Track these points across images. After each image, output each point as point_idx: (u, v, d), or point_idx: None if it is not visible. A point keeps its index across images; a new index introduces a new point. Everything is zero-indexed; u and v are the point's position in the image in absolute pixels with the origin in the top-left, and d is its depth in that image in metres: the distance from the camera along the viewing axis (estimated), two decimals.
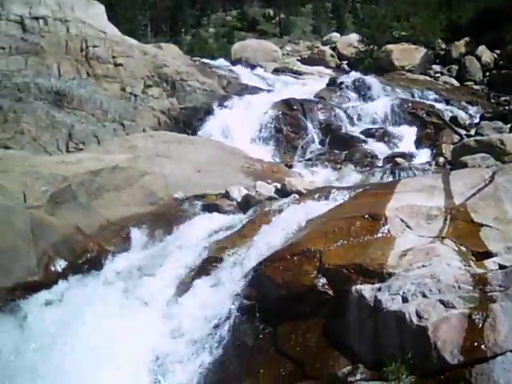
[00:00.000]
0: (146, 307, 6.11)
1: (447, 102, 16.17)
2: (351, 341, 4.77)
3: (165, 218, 8.37)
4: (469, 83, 19.28)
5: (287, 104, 14.94)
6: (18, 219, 6.97)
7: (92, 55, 15.96)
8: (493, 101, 17.13)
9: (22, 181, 8.07)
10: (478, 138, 11.35)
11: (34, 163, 8.95)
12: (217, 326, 5.54)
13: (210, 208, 8.65)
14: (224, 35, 51.03)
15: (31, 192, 7.89)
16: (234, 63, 23.77)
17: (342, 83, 17.60)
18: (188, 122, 14.92)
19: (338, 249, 5.57)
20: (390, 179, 9.98)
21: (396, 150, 13.18)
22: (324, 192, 7.66)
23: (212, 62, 22.11)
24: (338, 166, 11.86)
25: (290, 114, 14.61)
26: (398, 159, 11.86)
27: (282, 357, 5.08)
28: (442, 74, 20.29)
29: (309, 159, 13.14)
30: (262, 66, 24.06)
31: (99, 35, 16.54)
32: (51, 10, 16.33)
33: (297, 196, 8.52)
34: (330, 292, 5.18)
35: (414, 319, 4.25)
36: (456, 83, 19.37)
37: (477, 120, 14.71)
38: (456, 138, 13.08)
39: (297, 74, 23.11)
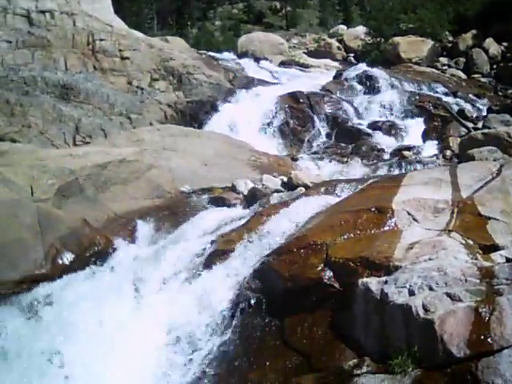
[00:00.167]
0: (151, 301, 6.12)
1: (454, 95, 16.11)
2: (357, 334, 4.78)
3: (171, 211, 8.39)
4: (476, 76, 19.20)
5: (294, 97, 14.93)
6: (25, 212, 6.99)
7: (98, 49, 15.98)
8: (500, 93, 17.07)
9: (29, 174, 8.10)
10: (486, 130, 11.31)
11: (41, 157, 8.97)
12: (223, 319, 5.55)
13: (216, 201, 8.66)
14: (230, 28, 50.87)
15: (38, 185, 7.92)
16: (240, 56, 23.75)
17: (348, 76, 17.55)
18: (194, 115, 14.94)
19: (344, 242, 5.57)
20: (397, 172, 9.96)
21: (403, 142, 13.15)
22: (330, 185, 7.65)
23: (218, 55, 22.09)
24: (345, 159, 11.85)
25: (297, 107, 14.60)
26: (405, 152, 11.83)
27: (288, 349, 5.09)
28: (449, 66, 20.20)
29: (315, 152, 13.13)
30: (268, 59, 24.02)
31: (106, 29, 16.54)
32: (58, 3, 16.34)
33: (303, 189, 8.53)
34: (337, 285, 5.18)
35: (421, 312, 4.24)
36: (463, 76, 19.28)
37: (484, 113, 14.66)
38: (463, 130, 13.04)
39: (303, 66, 23.10)
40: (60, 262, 6.68)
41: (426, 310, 4.25)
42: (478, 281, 4.43)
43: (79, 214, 7.57)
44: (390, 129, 13.76)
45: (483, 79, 18.82)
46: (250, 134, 13.68)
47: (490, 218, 5.51)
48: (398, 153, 12.00)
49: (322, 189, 7.56)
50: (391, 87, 16.40)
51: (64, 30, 15.93)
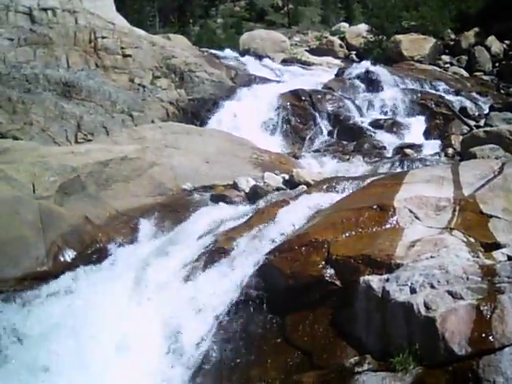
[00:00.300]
0: (152, 297, 6.13)
1: (456, 93, 16.10)
2: (359, 331, 4.78)
3: (173, 209, 8.39)
4: (478, 74, 19.19)
5: (295, 95, 14.93)
6: (26, 210, 7.00)
7: (100, 46, 15.97)
8: (502, 91, 17.06)
9: (31, 171, 8.11)
10: (488, 128, 11.31)
11: (42, 154, 8.98)
12: (225, 316, 5.56)
13: (218, 199, 8.66)
14: (232, 26, 50.81)
15: (40, 182, 7.93)
16: (242, 54, 23.71)
17: (350, 74, 17.53)
18: (196, 113, 14.96)
19: (346, 239, 5.57)
20: (399, 170, 9.95)
21: (405, 140, 13.14)
22: (332, 183, 7.64)
23: (220, 53, 22.06)
24: (347, 157, 11.85)
25: (299, 105, 14.60)
26: (407, 150, 11.83)
27: (289, 347, 5.09)
28: (451, 64, 20.18)
29: (317, 150, 13.13)
30: (270, 57, 24.02)
31: (108, 26, 16.54)
32: (60, 1, 16.35)
33: (305, 187, 8.53)
34: (338, 283, 5.18)
35: (422, 310, 4.25)
36: (465, 74, 19.26)
37: (486, 111, 14.65)
38: (465, 128, 13.03)
39: (305, 64, 23.07)
40: (62, 259, 6.69)
41: (427, 307, 4.25)
42: (479, 279, 4.43)
43: (81, 212, 7.59)
44: (392, 127, 13.76)
45: (485, 77, 18.81)
46: (252, 131, 13.68)
47: (491, 216, 5.51)
48: (399, 151, 12.00)
49: (324, 186, 7.55)
50: (393, 85, 16.38)
51: (66, 28, 15.93)
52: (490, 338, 3.94)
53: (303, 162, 11.54)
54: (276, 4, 60.47)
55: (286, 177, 9.41)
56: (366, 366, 4.42)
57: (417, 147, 12.25)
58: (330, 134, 14.03)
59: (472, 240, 5.18)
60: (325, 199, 6.94)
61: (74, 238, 6.92)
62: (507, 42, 20.00)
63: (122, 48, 16.23)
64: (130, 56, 16.19)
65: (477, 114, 14.38)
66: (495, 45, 19.91)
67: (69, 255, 6.74)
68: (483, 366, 3.84)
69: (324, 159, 11.85)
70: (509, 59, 19.24)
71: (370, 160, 11.41)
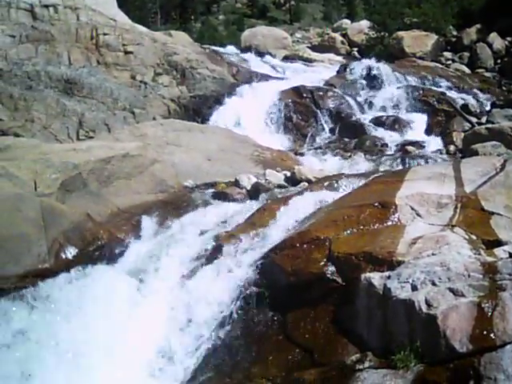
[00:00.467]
0: (154, 294, 6.14)
1: (458, 90, 16.08)
2: (360, 329, 4.78)
3: (175, 206, 8.39)
4: (480, 70, 19.16)
5: (297, 92, 14.92)
6: (28, 207, 6.99)
7: (102, 43, 15.97)
8: (504, 88, 17.03)
9: (33, 168, 8.10)
10: (489, 125, 11.31)
11: (44, 151, 8.97)
12: (226, 313, 5.56)
13: (219, 196, 8.67)
14: (234, 22, 50.79)
15: (42, 180, 7.92)
16: (243, 51, 23.73)
17: (352, 70, 17.51)
18: (198, 110, 14.95)
19: (347, 237, 5.57)
20: (400, 167, 9.95)
21: (406, 137, 13.13)
22: (334, 180, 7.64)
23: (222, 50, 22.07)
24: (348, 154, 11.85)
25: (300, 102, 14.60)
26: (409, 147, 11.83)
27: (290, 344, 5.09)
28: (453, 61, 20.15)
29: (318, 147, 13.13)
30: (271, 54, 24.01)
31: (109, 23, 16.53)
32: None
33: (306, 184, 8.53)
34: (339, 280, 5.18)
35: (424, 307, 4.24)
36: (467, 70, 19.23)
37: (488, 108, 14.63)
38: (467, 125, 13.02)
39: (307, 61, 23.05)
40: (63, 256, 6.68)
41: (428, 305, 4.25)
42: (481, 276, 4.43)
43: (82, 209, 7.57)
44: (394, 124, 13.75)
45: (487, 74, 18.77)
46: (254, 128, 13.68)
47: (493, 213, 5.50)
48: (401, 148, 12.00)
49: (325, 184, 7.55)
50: (395, 82, 16.36)
51: (68, 25, 15.92)
52: (492, 335, 3.94)
53: (305, 159, 11.54)
54: (278, 1, 60.45)
55: (288, 174, 9.41)
56: (367, 364, 4.42)
57: (418, 144, 12.25)
58: (331, 131, 14.03)
59: (473, 237, 5.17)
60: (326, 196, 6.94)
61: (75, 235, 6.91)
62: (509, 38, 19.97)
63: (124, 45, 16.23)
64: (131, 53, 16.20)
65: (478, 110, 14.37)
66: (497, 41, 19.88)
67: (70, 252, 6.73)
68: (484, 364, 3.84)
69: (325, 156, 11.86)
70: (511, 56, 19.22)
71: (371, 157, 11.41)
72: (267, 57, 22.68)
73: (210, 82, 16.24)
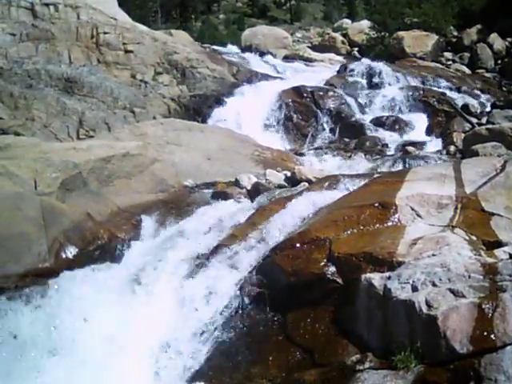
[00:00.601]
0: (155, 294, 6.13)
1: (458, 90, 16.08)
2: (360, 329, 4.78)
3: (175, 206, 8.39)
4: (480, 71, 19.18)
5: (297, 91, 14.92)
6: (28, 206, 6.99)
7: (102, 42, 15.96)
8: (504, 89, 17.05)
9: (33, 167, 8.09)
10: (490, 126, 11.30)
11: (44, 150, 8.97)
12: (226, 314, 5.56)
13: (219, 196, 8.66)
14: (234, 22, 50.80)
15: (42, 179, 7.91)
16: (244, 50, 23.72)
17: (352, 70, 17.52)
18: (198, 109, 14.95)
19: (347, 237, 5.57)
20: (401, 168, 9.95)
21: (407, 138, 13.14)
22: (334, 180, 7.64)
23: (222, 49, 22.07)
24: (348, 155, 11.84)
25: (300, 102, 14.59)
26: (409, 147, 11.83)
27: (291, 344, 5.10)
28: (453, 61, 20.18)
29: (319, 147, 13.12)
30: (272, 53, 24.00)
31: (110, 22, 16.52)
32: None
33: (306, 184, 8.52)
34: (340, 280, 5.19)
35: (424, 308, 4.25)
36: (467, 71, 19.25)
37: (488, 108, 14.64)
38: (467, 126, 13.02)
39: (307, 60, 23.04)
40: (63, 255, 6.68)
41: (429, 305, 4.25)
42: (481, 277, 4.43)
43: (83, 208, 7.57)
44: (394, 124, 13.76)
45: (487, 74, 18.79)
46: (254, 128, 13.67)
47: (493, 214, 5.50)
48: (401, 148, 12.00)
49: (326, 184, 7.55)
50: (395, 82, 16.38)
51: (68, 23, 15.91)
52: (492, 336, 3.94)
53: (305, 159, 11.54)
54: (278, 0, 60.40)
55: (288, 174, 9.41)
56: (367, 364, 4.43)
57: (419, 145, 12.25)
58: (331, 131, 14.03)
59: (474, 238, 5.18)
60: (326, 196, 6.93)
61: (75, 234, 6.91)
62: (509, 39, 20.02)
63: (124, 44, 16.22)
64: (131, 52, 16.19)
65: (479, 111, 14.38)
66: (497, 42, 19.90)
67: (71, 252, 6.73)
68: (485, 365, 3.85)
69: (326, 156, 11.85)
70: (511, 57, 19.22)
71: (371, 157, 11.41)
72: (267, 56, 22.66)
73: (211, 82, 16.24)
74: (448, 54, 20.69)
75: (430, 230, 5.37)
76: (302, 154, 12.21)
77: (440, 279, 4.46)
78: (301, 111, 14.39)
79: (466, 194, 5.89)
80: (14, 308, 5.87)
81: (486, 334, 3.96)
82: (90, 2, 16.72)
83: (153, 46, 16.77)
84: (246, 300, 5.58)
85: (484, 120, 13.31)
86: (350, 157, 11.59)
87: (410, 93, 15.14)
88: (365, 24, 26.52)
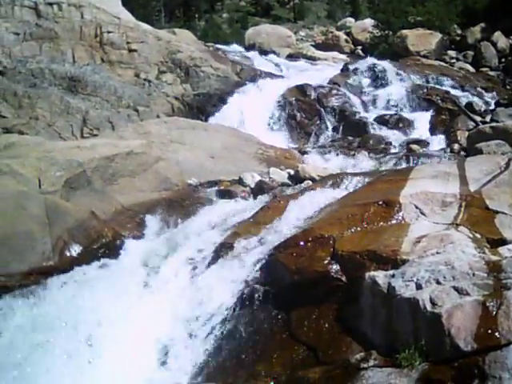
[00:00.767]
0: (159, 292, 6.14)
1: (462, 88, 16.04)
2: (364, 327, 4.78)
3: (179, 204, 8.40)
4: (484, 69, 19.11)
5: (301, 90, 14.91)
6: (32, 204, 7.01)
7: (106, 41, 15.96)
8: (508, 87, 16.99)
9: (37, 166, 8.12)
10: (494, 124, 11.28)
11: (48, 149, 8.99)
12: (230, 311, 5.56)
13: (223, 194, 8.67)
14: (238, 21, 50.68)
15: (46, 177, 7.94)
16: (247, 49, 23.69)
17: (356, 69, 17.48)
18: (201, 108, 14.95)
19: (351, 235, 5.57)
20: (404, 166, 9.94)
21: (410, 136, 13.11)
22: (338, 178, 7.64)
23: (226, 48, 22.02)
24: (352, 153, 11.82)
25: (304, 100, 14.59)
26: (413, 146, 11.81)
27: (295, 342, 5.10)
28: (457, 59, 20.11)
29: (322, 146, 13.11)
30: (275, 52, 23.97)
31: (113, 21, 16.52)
32: None
33: (310, 182, 8.52)
34: (344, 278, 5.19)
35: (428, 306, 4.24)
36: (471, 69, 19.18)
37: (492, 106, 14.61)
38: (471, 124, 12.99)
39: (311, 59, 23.00)
40: (68, 254, 6.70)
41: (433, 303, 4.24)
42: (485, 275, 4.43)
43: (87, 206, 7.59)
44: (398, 122, 13.73)
45: (491, 73, 18.72)
46: (257, 126, 13.67)
47: (497, 212, 5.50)
48: (405, 146, 11.98)
49: (329, 182, 7.54)
50: (399, 80, 16.34)
51: (72, 22, 15.92)
52: (496, 334, 3.94)
53: (308, 158, 11.53)
54: None
55: (292, 172, 9.41)
56: (371, 362, 4.42)
57: (422, 143, 12.23)
58: (335, 129, 14.02)
59: (478, 236, 5.18)
60: (330, 195, 6.93)
61: (80, 232, 6.93)
62: None
63: (128, 43, 16.22)
64: (135, 51, 16.18)
65: (483, 109, 14.34)
66: (501, 40, 19.83)
67: (75, 250, 6.75)
68: (489, 362, 3.84)
69: (329, 155, 11.83)
70: None
71: (375, 155, 11.39)
72: (271, 55, 22.64)
73: (214, 80, 16.23)
74: (452, 53, 20.63)
75: (434, 228, 5.36)
76: (305, 153, 12.19)
77: (444, 277, 4.46)
78: (304, 110, 14.39)
79: (471, 192, 5.89)
80: (18, 306, 5.90)
81: (490, 331, 3.96)
82: (94, 1, 16.72)
83: (156, 44, 16.77)
84: (250, 298, 5.57)
85: (488, 118, 13.29)
86: (354, 155, 11.57)
87: (414, 91, 15.11)
88: (368, 22, 26.42)
